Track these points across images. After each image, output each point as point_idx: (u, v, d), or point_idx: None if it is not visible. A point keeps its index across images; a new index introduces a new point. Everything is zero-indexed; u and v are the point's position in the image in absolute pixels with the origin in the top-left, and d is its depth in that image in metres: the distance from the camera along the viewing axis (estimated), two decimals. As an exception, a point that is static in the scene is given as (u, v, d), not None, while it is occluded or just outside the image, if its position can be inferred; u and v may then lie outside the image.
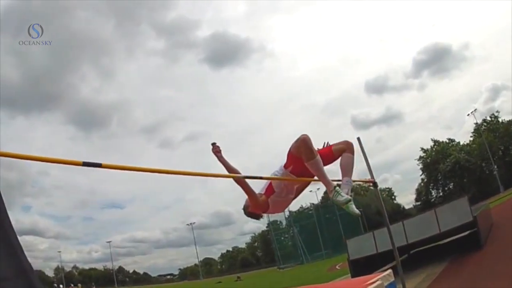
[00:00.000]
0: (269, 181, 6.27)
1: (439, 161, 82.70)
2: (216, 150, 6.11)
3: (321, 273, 36.47)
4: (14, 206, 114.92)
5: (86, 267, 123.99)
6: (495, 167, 71.56)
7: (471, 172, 77.41)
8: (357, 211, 5.74)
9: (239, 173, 6.00)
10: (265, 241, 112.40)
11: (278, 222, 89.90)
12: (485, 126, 79.27)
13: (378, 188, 9.70)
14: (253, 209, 6.37)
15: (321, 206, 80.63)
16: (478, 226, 17.43)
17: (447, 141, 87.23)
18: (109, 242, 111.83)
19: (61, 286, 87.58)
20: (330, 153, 6.19)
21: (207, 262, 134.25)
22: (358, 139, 8.99)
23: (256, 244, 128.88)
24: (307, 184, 6.80)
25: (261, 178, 6.04)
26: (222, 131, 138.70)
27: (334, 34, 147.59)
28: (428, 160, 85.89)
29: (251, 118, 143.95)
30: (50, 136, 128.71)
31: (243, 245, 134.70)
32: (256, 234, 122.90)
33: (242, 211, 6.62)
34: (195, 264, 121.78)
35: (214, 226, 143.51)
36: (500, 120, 78.16)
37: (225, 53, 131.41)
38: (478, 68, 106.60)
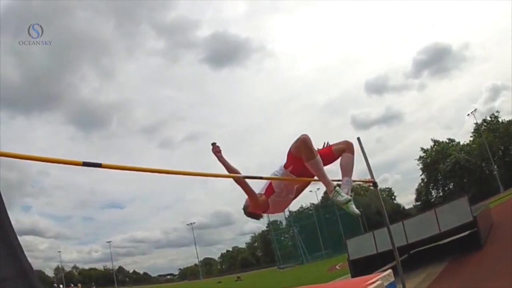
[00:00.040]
0: (269, 181, 6.27)
1: (439, 161, 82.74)
2: (216, 150, 6.11)
3: (321, 273, 36.47)
4: (14, 206, 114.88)
5: (86, 267, 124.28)
6: (495, 167, 71.59)
7: (471, 172, 77.44)
8: (357, 211, 5.74)
9: (239, 173, 6.00)
10: (265, 241, 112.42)
11: (278, 222, 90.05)
12: (485, 126, 79.28)
13: (378, 188, 9.70)
14: (253, 209, 6.36)
15: (321, 206, 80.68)
16: (478, 226, 17.44)
17: (447, 141, 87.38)
18: (109, 242, 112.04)
19: (61, 286, 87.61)
20: (330, 153, 6.18)
21: (207, 262, 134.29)
22: (358, 139, 8.99)
23: (256, 244, 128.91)
24: (307, 184, 6.81)
25: (261, 178, 6.04)
26: (222, 131, 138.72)
27: (334, 34, 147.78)
28: (428, 160, 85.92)
29: (251, 118, 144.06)
30: (50, 136, 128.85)
31: (243, 245, 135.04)
32: (256, 234, 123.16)
33: (242, 211, 6.62)
34: (195, 264, 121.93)
35: (214, 226, 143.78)
36: (500, 120, 78.24)
37: (225, 53, 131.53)
38: (478, 68, 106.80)
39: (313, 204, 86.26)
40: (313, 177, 6.11)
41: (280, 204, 6.49)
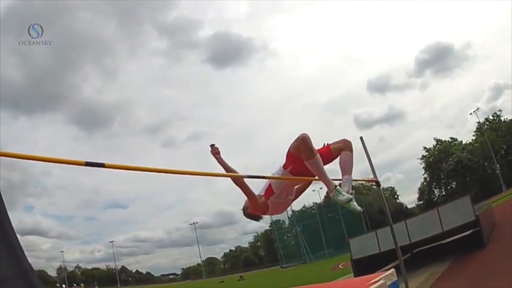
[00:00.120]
0: (268, 182, 6.28)
1: (442, 160, 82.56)
2: (215, 151, 6.13)
3: (324, 272, 36.51)
4: (17, 206, 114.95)
5: (89, 267, 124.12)
6: (498, 166, 71.35)
7: (474, 171, 77.32)
8: (359, 208, 5.74)
9: (238, 174, 5.99)
10: (268, 240, 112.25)
11: (281, 222, 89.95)
12: (487, 125, 79.11)
13: (381, 187, 9.70)
14: (252, 210, 6.38)
15: (324, 205, 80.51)
16: (481, 225, 17.46)
17: (450, 140, 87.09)
18: (111, 242, 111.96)
19: (63, 286, 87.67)
20: (329, 152, 6.17)
21: (210, 262, 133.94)
22: (361, 138, 9.03)
23: (259, 243, 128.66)
24: (307, 185, 6.86)
25: (263, 177, 6.05)
26: (225, 131, 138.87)
27: (336, 33, 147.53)
28: (431, 159, 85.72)
29: (253, 117, 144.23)
30: (53, 136, 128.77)
31: (246, 245, 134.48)
32: (259, 233, 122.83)
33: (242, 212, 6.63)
34: (198, 264, 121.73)
35: (217, 226, 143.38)
36: (502, 119, 77.88)
37: (228, 52, 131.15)
38: (481, 67, 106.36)
39: (316, 203, 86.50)
40: (313, 177, 6.12)
41: (280, 206, 6.48)
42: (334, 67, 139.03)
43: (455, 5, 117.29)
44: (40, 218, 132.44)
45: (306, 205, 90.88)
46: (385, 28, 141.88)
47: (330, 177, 5.79)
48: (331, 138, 6.50)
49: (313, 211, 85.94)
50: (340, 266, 37.62)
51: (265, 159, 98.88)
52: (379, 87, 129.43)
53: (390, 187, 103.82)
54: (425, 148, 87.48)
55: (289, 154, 6.01)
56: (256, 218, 6.64)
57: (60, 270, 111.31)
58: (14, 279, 2.97)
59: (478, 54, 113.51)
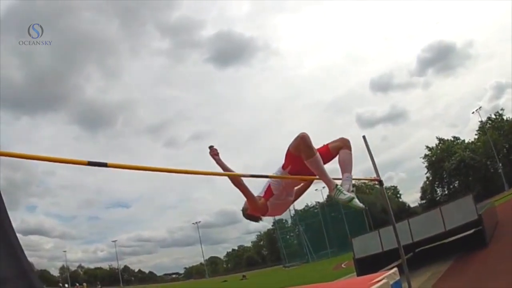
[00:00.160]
0: (268, 183, 6.27)
1: (444, 159, 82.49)
2: (213, 153, 6.13)
3: (327, 271, 36.56)
4: (20, 206, 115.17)
5: (92, 266, 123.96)
6: (500, 165, 71.40)
7: (476, 170, 77.26)
8: (361, 204, 5.71)
9: (237, 177, 6.01)
10: (270, 239, 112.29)
11: (284, 221, 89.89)
12: (489, 124, 79.08)
13: (384, 186, 9.73)
14: (252, 211, 6.37)
15: (327, 204, 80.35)
16: (483, 224, 17.48)
17: (452, 139, 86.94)
18: (114, 241, 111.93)
19: (66, 285, 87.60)
20: (328, 151, 6.15)
21: (213, 261, 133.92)
22: (364, 137, 9.05)
23: (261, 242, 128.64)
24: (307, 186, 6.86)
25: (266, 176, 6.07)
26: (227, 130, 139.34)
27: (339, 32, 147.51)
28: (433, 158, 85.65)
29: (256, 117, 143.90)
30: (56, 136, 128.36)
31: (249, 244, 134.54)
32: (262, 232, 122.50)
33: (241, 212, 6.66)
34: (201, 263, 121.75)
35: (219, 225, 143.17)
36: (504, 118, 77.77)
37: (230, 52, 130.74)
38: (483, 66, 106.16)
39: (318, 202, 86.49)
40: (312, 177, 6.13)
41: (280, 207, 6.46)
42: (337, 66, 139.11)
43: (457, 3, 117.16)
44: (43, 217, 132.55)
45: (309, 204, 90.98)
46: (387, 27, 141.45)
47: (331, 176, 5.81)
48: (334, 137, 6.47)
49: (315, 210, 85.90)
50: (342, 265, 37.64)
51: (268, 159, 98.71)
52: (382, 86, 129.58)
53: (393, 186, 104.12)
54: (427, 147, 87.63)
55: (288, 154, 6.00)
56: (256, 219, 6.63)
57: (62, 269, 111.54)
58: (14, 279, 2.99)
59: (480, 52, 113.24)
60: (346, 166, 6.07)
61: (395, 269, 7.75)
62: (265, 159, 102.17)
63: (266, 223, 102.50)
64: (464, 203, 18.46)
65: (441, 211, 18.93)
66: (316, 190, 65.58)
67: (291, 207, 67.72)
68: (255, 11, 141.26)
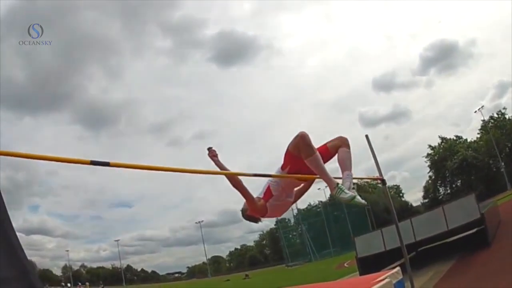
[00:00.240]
0: (267, 184, 6.26)
1: (447, 158, 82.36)
2: (212, 154, 6.16)
3: (329, 270, 36.60)
4: (22, 206, 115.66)
5: (94, 265, 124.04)
6: (502, 164, 71.29)
7: (479, 169, 77.15)
8: (363, 201, 5.71)
9: (236, 177, 5.99)
10: (273, 239, 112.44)
11: (287, 220, 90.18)
12: (492, 123, 78.87)
13: (386, 185, 9.75)
14: (251, 212, 6.36)
15: (329, 203, 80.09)
16: (486, 223, 17.50)
17: (455, 138, 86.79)
18: (117, 240, 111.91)
19: (69, 284, 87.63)
20: (326, 151, 6.12)
21: (216, 260, 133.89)
22: (367, 136, 9.09)
23: (264, 242, 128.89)
24: (307, 187, 6.84)
25: (269, 175, 6.06)
26: (230, 130, 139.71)
27: (341, 31, 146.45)
28: (436, 157, 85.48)
29: (259, 116, 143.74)
30: (58, 136, 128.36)
31: (252, 243, 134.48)
32: (265, 232, 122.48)
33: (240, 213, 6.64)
34: (204, 262, 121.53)
35: (222, 224, 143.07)
36: (507, 117, 77.56)
37: (233, 51, 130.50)
38: (485, 65, 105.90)
39: (321, 201, 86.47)
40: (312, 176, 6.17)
41: (279, 208, 6.45)
42: (339, 65, 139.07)
43: (459, 2, 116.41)
44: (46, 217, 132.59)
45: (312, 203, 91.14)
46: (389, 26, 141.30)
47: (332, 175, 5.81)
48: (336, 136, 6.55)
49: (318, 210, 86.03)
50: (345, 264, 37.69)
51: (270, 158, 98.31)
52: (384, 85, 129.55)
53: (396, 185, 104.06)
54: (430, 146, 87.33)
55: (288, 154, 5.98)
56: (255, 220, 6.59)
57: (65, 269, 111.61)
58: (14, 279, 2.98)
59: (482, 51, 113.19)
60: (345, 164, 6.06)
61: (398, 268, 7.80)
62: (268, 158, 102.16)
63: (269, 222, 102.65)
64: (467, 202, 18.48)
65: (444, 210, 18.95)
66: (318, 189, 65.50)
67: (294, 206, 67.79)
68: (257, 10, 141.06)
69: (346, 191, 5.55)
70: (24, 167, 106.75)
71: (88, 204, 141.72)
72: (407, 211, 78.09)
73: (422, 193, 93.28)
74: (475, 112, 79.87)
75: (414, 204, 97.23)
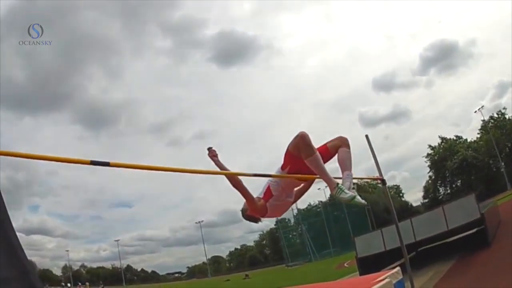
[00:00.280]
0: (267, 185, 6.26)
1: (447, 158, 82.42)
2: (212, 154, 6.16)
3: (329, 270, 36.63)
4: (22, 206, 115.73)
5: (94, 265, 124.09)
6: (502, 164, 71.29)
7: (479, 169, 77.19)
8: (363, 201, 5.71)
9: (236, 177, 5.99)
10: (273, 239, 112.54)
11: (287, 220, 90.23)
12: (492, 123, 78.89)
13: (386, 185, 9.75)
14: (251, 212, 6.35)
15: (329, 204, 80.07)
16: (486, 223, 17.51)
17: (455, 138, 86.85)
18: (117, 240, 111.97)
19: (68, 284, 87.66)
20: (326, 151, 6.11)
21: (216, 260, 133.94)
22: (367, 136, 9.10)
23: (264, 242, 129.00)
24: (307, 187, 6.84)
25: (269, 175, 6.05)
26: (231, 129, 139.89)
27: (341, 31, 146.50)
28: (436, 157, 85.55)
29: (259, 116, 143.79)
30: (58, 136, 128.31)
31: (252, 243, 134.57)
32: (265, 232, 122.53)
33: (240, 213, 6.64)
34: (204, 262, 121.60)
35: (222, 224, 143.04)
36: (507, 117, 77.57)
37: (233, 51, 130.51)
38: (485, 65, 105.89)
39: (321, 201, 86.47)
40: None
41: (279, 208, 6.44)
42: (339, 65, 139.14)
43: (459, 2, 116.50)
44: (46, 217, 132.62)
45: (312, 203, 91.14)
46: (389, 26, 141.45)
47: (332, 175, 5.80)
48: (336, 136, 6.55)
49: (318, 210, 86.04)
50: (345, 264, 37.72)
51: (270, 158, 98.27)
52: (384, 85, 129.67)
53: (396, 185, 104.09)
54: (430, 146, 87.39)
55: (287, 154, 5.98)
56: (255, 220, 6.58)
57: (65, 269, 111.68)
58: (14, 279, 2.97)
59: (482, 51, 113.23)
60: (345, 164, 6.05)
61: (398, 268, 7.80)
62: (268, 158, 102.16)
63: (269, 222, 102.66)
64: (467, 202, 18.49)
65: (444, 210, 18.96)
66: (318, 189, 65.51)
67: (294, 206, 67.83)
68: (257, 10, 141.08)
69: (346, 191, 5.53)
70: (24, 167, 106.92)
71: (88, 204, 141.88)
72: (407, 211, 78.09)
73: (422, 193, 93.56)
74: (475, 112, 80.00)
75: (414, 204, 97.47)
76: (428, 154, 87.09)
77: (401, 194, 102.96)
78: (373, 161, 9.21)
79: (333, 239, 75.45)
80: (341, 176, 5.94)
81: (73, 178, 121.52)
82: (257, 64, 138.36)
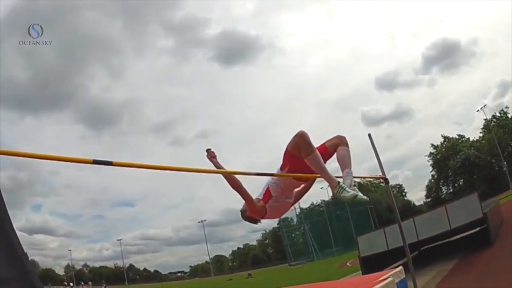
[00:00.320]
0: (266, 186, 6.25)
1: (449, 157, 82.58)
2: (211, 155, 6.16)
3: (332, 270, 36.61)
4: (25, 205, 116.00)
5: (97, 265, 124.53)
6: (505, 163, 71.17)
7: (481, 168, 77.23)
8: (365, 197, 5.74)
9: (236, 178, 5.99)
10: (276, 238, 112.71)
11: (289, 219, 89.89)
12: (494, 122, 79.01)
13: (389, 184, 9.73)
14: (250, 213, 6.35)
15: (332, 203, 79.94)
16: (488, 222, 17.49)
17: (457, 137, 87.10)
18: (119, 240, 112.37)
19: (71, 284, 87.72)
20: (325, 150, 6.09)
21: (218, 259, 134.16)
22: (369, 135, 9.07)
23: (267, 241, 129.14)
24: (307, 188, 6.83)
25: (271, 174, 6.03)
26: (233, 129, 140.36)
27: (344, 30, 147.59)
28: (438, 157, 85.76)
29: (261, 115, 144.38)
30: (60, 135, 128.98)
31: (254, 242, 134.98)
32: (267, 231, 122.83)
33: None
34: (206, 262, 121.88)
35: (225, 223, 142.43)
36: (509, 116, 77.54)
37: (235, 51, 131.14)
38: (487, 64, 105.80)
39: (324, 201, 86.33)
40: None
41: (279, 209, 6.43)
42: (342, 64, 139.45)
43: (461, 1, 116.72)
44: (48, 217, 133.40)
45: (314, 202, 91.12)
46: (391, 25, 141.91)
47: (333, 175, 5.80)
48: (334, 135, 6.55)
49: (321, 209, 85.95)
50: (348, 263, 37.64)
51: (272, 157, 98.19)
52: (387, 84, 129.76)
53: (398, 185, 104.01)
54: (432, 145, 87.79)
55: (286, 154, 5.97)
56: (254, 221, 6.57)
57: (68, 268, 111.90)
58: (14, 279, 2.96)
59: (485, 50, 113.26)
60: (345, 162, 6.03)
61: (401, 267, 7.79)
62: (270, 157, 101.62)
63: (272, 221, 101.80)
64: (469, 201, 18.46)
65: (446, 210, 18.94)
66: (321, 188, 65.22)
67: (297, 205, 67.80)
68: (259, 9, 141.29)
69: (348, 189, 5.53)
70: (26, 166, 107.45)
71: (91, 204, 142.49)
72: (409, 210, 77.96)
73: (424, 192, 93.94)
74: (478, 111, 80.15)
75: (417, 203, 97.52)
76: (431, 153, 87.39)
77: (403, 193, 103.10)
78: (375, 160, 9.20)
79: (335, 238, 75.43)
80: (341, 175, 5.94)
81: (76, 178, 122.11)
82: (259, 64, 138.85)
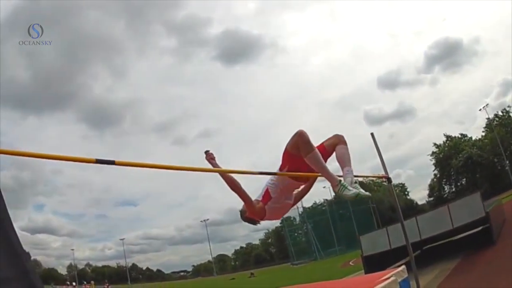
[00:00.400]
0: (266, 187, 6.26)
1: (452, 157, 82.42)
2: (210, 157, 6.19)
3: (335, 269, 36.64)
4: (28, 205, 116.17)
5: (99, 264, 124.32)
6: (507, 162, 71.10)
7: (483, 167, 77.10)
8: (367, 193, 5.79)
9: (234, 179, 6.02)
10: (278, 237, 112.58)
11: (292, 218, 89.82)
12: (497, 121, 78.80)
13: (392, 183, 9.74)
14: (250, 215, 6.36)
15: (335, 202, 79.93)
16: (491, 222, 17.51)
17: (460, 136, 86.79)
18: (122, 239, 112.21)
19: (74, 283, 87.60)
20: (324, 150, 6.09)
21: (221, 259, 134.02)
22: (372, 134, 9.09)
23: (269, 240, 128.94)
24: (307, 190, 6.89)
25: (274, 173, 6.05)
26: (235, 128, 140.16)
27: (346, 29, 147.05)
28: (441, 156, 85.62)
29: (263, 115, 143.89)
30: (63, 135, 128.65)
31: (257, 242, 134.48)
32: (270, 230, 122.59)
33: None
34: (209, 261, 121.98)
35: (227, 223, 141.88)
36: (511, 115, 77.66)
37: (237, 50, 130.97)
38: (490, 63, 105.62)
39: (326, 200, 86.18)
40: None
41: (278, 211, 6.45)
42: (344, 63, 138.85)
43: (464, 0, 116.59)
44: (51, 216, 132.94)
45: (317, 201, 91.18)
46: (394, 24, 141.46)
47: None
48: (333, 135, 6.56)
49: (323, 208, 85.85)
50: (350, 263, 37.72)
51: (274, 157, 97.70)
52: (389, 83, 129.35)
53: (401, 184, 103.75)
54: (435, 144, 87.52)
55: (286, 153, 5.99)
56: (254, 222, 6.60)
57: (70, 268, 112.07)
58: (14, 279, 2.96)
59: (487, 49, 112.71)
60: (344, 161, 6.05)
61: (403, 266, 7.81)
62: (272, 157, 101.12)
63: (274, 221, 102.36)
64: (472, 201, 18.48)
65: (449, 209, 18.95)
66: (324, 187, 65.29)
67: (299, 205, 67.72)
68: (261, 9, 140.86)
69: (349, 187, 5.55)
70: (29, 166, 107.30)
71: (93, 203, 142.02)
72: (412, 209, 77.94)
73: (427, 191, 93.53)
74: (480, 110, 79.77)
75: (419, 202, 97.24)
76: (433, 152, 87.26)
77: (406, 192, 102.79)
78: (378, 159, 9.22)
79: (338, 238, 75.37)
80: (342, 174, 5.94)
81: (78, 177, 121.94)
82: (262, 63, 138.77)
